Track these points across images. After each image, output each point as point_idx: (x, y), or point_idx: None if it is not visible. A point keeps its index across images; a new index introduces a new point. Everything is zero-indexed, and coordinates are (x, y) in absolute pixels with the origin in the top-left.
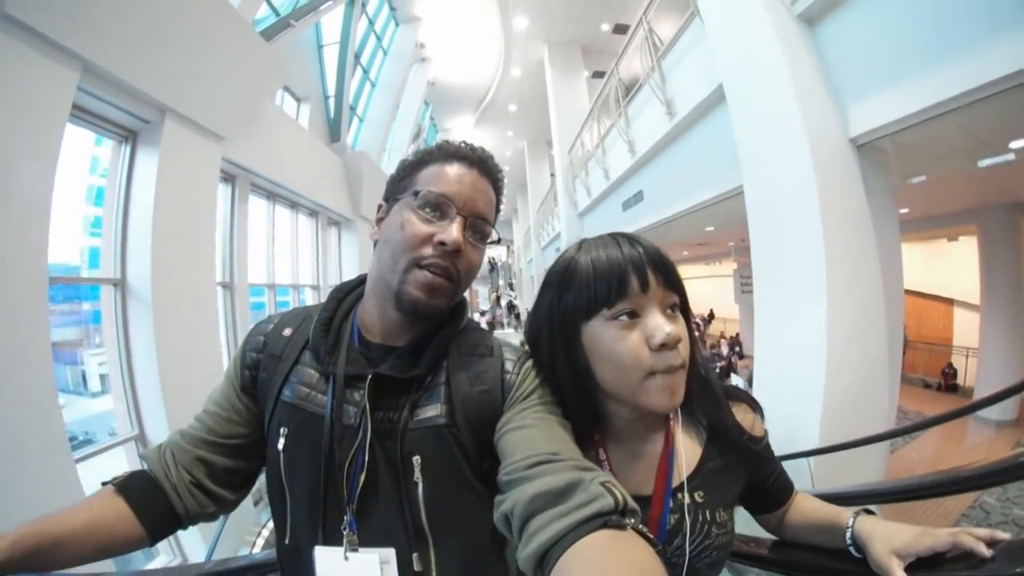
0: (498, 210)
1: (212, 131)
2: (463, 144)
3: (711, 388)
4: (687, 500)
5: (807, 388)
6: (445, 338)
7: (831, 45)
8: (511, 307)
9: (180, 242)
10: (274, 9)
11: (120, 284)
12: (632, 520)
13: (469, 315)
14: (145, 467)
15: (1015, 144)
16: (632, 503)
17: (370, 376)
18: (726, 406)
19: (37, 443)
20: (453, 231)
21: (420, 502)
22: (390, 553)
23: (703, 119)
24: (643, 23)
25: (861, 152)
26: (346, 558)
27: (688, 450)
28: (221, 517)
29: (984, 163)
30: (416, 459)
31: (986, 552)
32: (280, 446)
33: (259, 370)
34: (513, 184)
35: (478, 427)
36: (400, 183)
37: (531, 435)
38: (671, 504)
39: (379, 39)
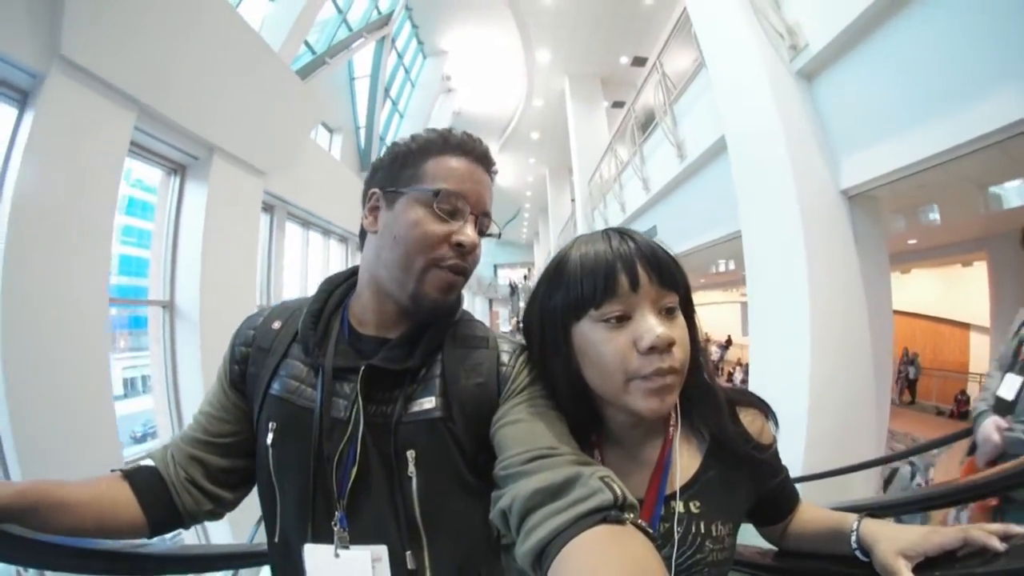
0: None
1: (255, 167)
2: (465, 135)
3: (713, 395)
4: (680, 509)
5: (791, 429)
6: (440, 329)
7: (826, 100)
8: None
9: (226, 268)
10: (311, 48)
11: (168, 306)
12: (631, 515)
13: (464, 307)
14: (152, 463)
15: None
16: (631, 498)
17: (363, 368)
18: (728, 414)
19: (93, 444)
20: (470, 232)
21: (414, 497)
22: (382, 550)
23: (711, 163)
24: (657, 66)
25: (852, 202)
26: (336, 555)
27: (686, 458)
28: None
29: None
30: (411, 453)
31: (999, 546)
32: (268, 441)
33: (248, 364)
34: (535, 208)
35: (474, 420)
36: (401, 172)
37: (528, 429)
38: (662, 512)
39: (407, 72)
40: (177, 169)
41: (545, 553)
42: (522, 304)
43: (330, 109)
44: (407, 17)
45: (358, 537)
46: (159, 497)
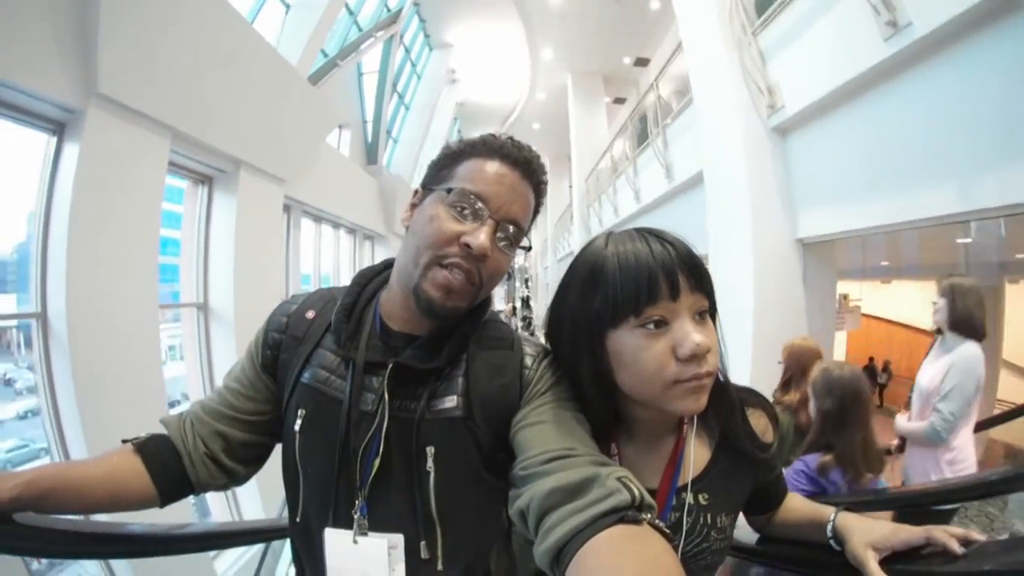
0: (536, 213)
1: (277, 176)
2: (509, 140)
3: (728, 396)
4: (690, 500)
5: None
6: (466, 331)
7: (795, 156)
8: (525, 303)
9: (257, 270)
10: (323, 52)
11: (203, 307)
12: (648, 515)
13: (492, 309)
14: (165, 432)
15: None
16: (648, 499)
17: (391, 365)
18: (740, 414)
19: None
20: (481, 235)
21: (431, 491)
22: (398, 539)
23: (695, 188)
24: (655, 87)
25: (807, 248)
26: (355, 541)
27: (698, 453)
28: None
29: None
30: (430, 449)
31: (958, 549)
32: (297, 427)
33: (280, 351)
34: None
35: (494, 421)
36: (439, 172)
37: (547, 430)
38: (673, 502)
39: (414, 65)
40: (204, 180)
41: (563, 553)
42: (519, 285)
43: (341, 107)
44: (415, 12)
45: (376, 525)
46: (170, 468)
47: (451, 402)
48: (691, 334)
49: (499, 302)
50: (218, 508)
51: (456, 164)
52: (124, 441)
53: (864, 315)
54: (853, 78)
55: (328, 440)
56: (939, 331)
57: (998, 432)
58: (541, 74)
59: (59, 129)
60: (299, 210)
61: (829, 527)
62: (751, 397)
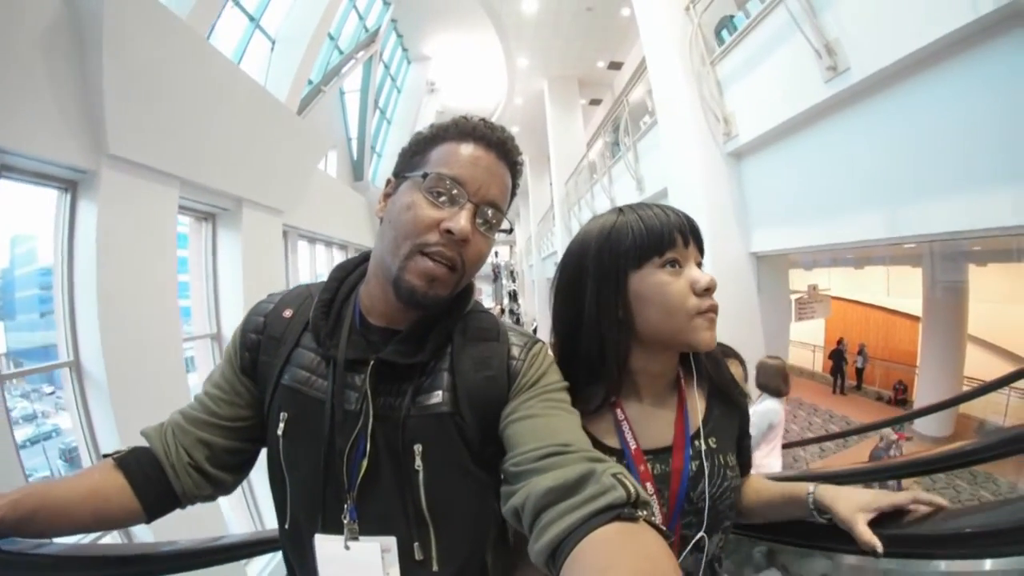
0: (513, 195)
1: (276, 208)
2: (481, 122)
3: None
4: (704, 446)
5: None
6: (450, 322)
7: (748, 179)
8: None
9: (261, 295)
10: (309, 81)
11: (216, 337)
12: (644, 512)
13: (475, 299)
14: (146, 444)
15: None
16: (644, 495)
17: (372, 362)
18: (725, 364)
19: None
20: (462, 219)
21: (421, 490)
22: (391, 541)
23: (664, 200)
24: (623, 102)
25: (760, 260)
26: (347, 547)
27: (696, 404)
28: None
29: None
30: (417, 447)
31: (946, 504)
32: (280, 431)
33: (259, 352)
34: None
35: (482, 415)
36: (412, 159)
37: (539, 425)
38: (690, 451)
39: (394, 80)
40: (207, 217)
41: (559, 551)
42: (506, 283)
43: (328, 132)
44: (392, 28)
45: (367, 528)
46: (155, 483)
47: (437, 397)
48: (703, 274)
49: (487, 301)
50: (240, 518)
51: (429, 149)
52: (105, 456)
53: (840, 299)
54: (799, 113)
55: (313, 443)
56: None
57: (967, 407)
58: (518, 80)
59: (71, 187)
60: (295, 234)
61: (811, 499)
62: (725, 348)
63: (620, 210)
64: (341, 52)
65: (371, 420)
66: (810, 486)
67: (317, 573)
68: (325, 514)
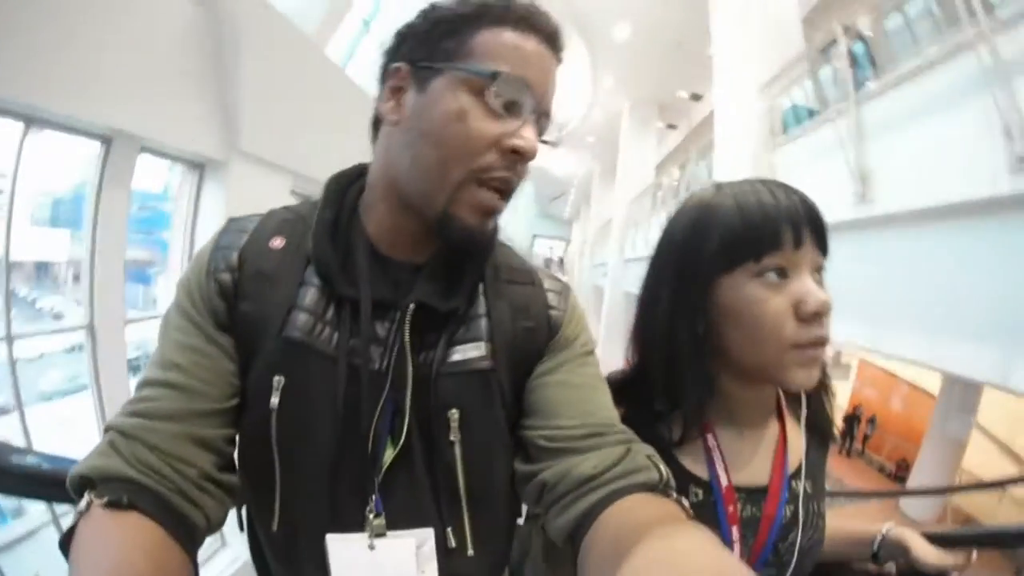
0: None
1: None
2: (532, 5)
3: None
4: (801, 491)
5: None
6: (481, 257)
7: None
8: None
9: None
10: None
11: None
12: (674, 496)
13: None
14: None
15: None
16: (672, 482)
17: (412, 306)
18: (827, 395)
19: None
20: (531, 135)
21: (458, 467)
22: (428, 533)
23: None
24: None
25: None
26: (371, 547)
27: (794, 437)
28: None
29: None
30: (452, 413)
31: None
32: (275, 402)
33: (238, 299)
34: (579, 195)
35: (519, 372)
36: (441, 42)
37: (578, 398)
38: (787, 495)
39: None
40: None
41: (581, 525)
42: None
43: None
44: None
45: (392, 520)
46: (178, 530)
47: (476, 350)
48: (816, 290)
49: None
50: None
51: (468, 33)
52: (64, 534)
53: (870, 365)
54: (836, 222)
55: (323, 415)
56: None
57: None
58: (601, 96)
59: (199, 169)
60: None
61: (880, 537)
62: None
63: (719, 186)
64: None
65: (409, 383)
66: (884, 526)
67: None
68: (338, 508)
